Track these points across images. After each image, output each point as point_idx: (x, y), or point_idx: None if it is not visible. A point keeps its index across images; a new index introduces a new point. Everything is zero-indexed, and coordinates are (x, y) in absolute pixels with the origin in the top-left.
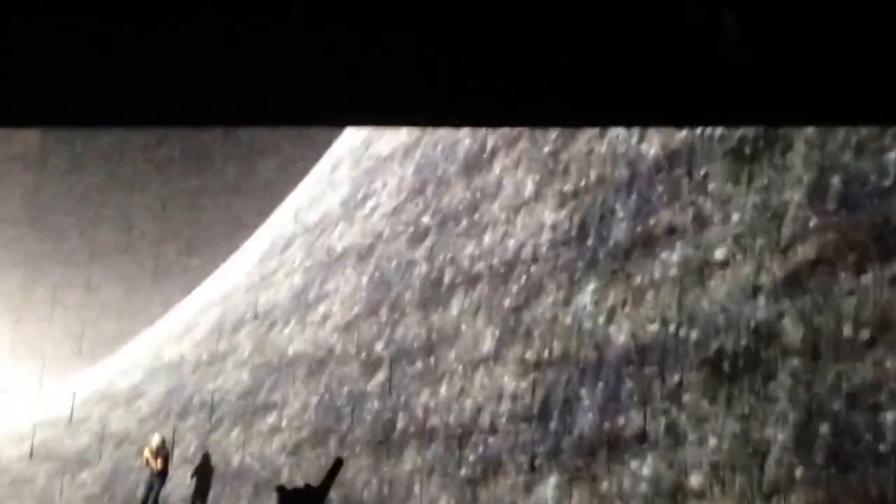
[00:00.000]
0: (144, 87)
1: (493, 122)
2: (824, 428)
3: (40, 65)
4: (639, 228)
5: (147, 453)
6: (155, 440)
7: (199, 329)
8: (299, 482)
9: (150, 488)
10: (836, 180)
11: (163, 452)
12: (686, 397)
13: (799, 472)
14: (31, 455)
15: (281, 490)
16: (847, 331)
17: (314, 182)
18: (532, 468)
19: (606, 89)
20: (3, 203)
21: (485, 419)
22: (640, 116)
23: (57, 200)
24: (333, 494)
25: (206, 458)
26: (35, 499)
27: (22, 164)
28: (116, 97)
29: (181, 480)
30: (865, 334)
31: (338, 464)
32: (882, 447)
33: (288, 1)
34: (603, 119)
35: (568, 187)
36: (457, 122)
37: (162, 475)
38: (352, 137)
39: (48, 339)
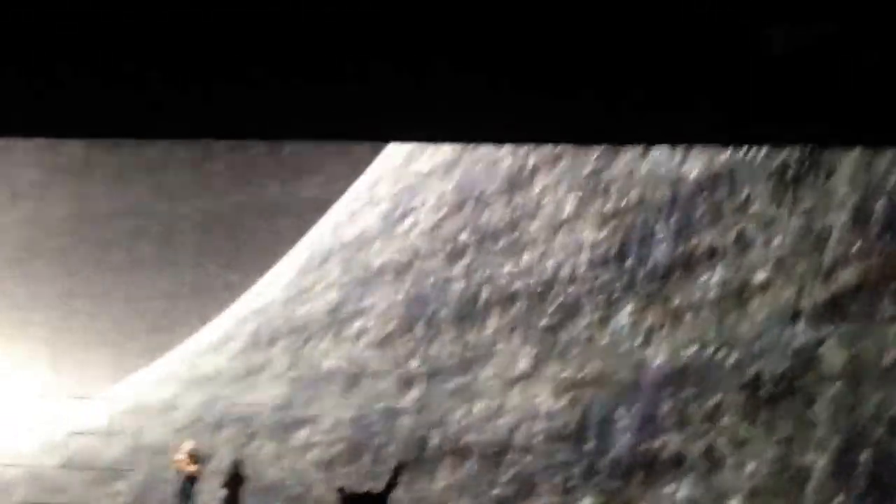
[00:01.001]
0: (189, 100)
1: (534, 138)
2: (865, 455)
3: (83, 78)
4: (679, 250)
5: (181, 457)
6: (188, 445)
7: (236, 342)
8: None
9: (185, 497)
10: (879, 205)
11: (196, 457)
12: (724, 421)
13: (839, 499)
14: (66, 464)
15: (341, 492)
16: (889, 357)
17: (354, 198)
18: (566, 489)
19: (650, 108)
20: (47, 213)
21: (519, 438)
22: (686, 135)
23: (100, 212)
24: None
25: (237, 468)
26: None
27: (67, 175)
28: (161, 110)
29: (215, 492)
30: None
31: (399, 468)
32: None
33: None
34: (647, 138)
35: (608, 207)
36: (500, 139)
37: (193, 479)
38: (393, 154)
39: (88, 350)
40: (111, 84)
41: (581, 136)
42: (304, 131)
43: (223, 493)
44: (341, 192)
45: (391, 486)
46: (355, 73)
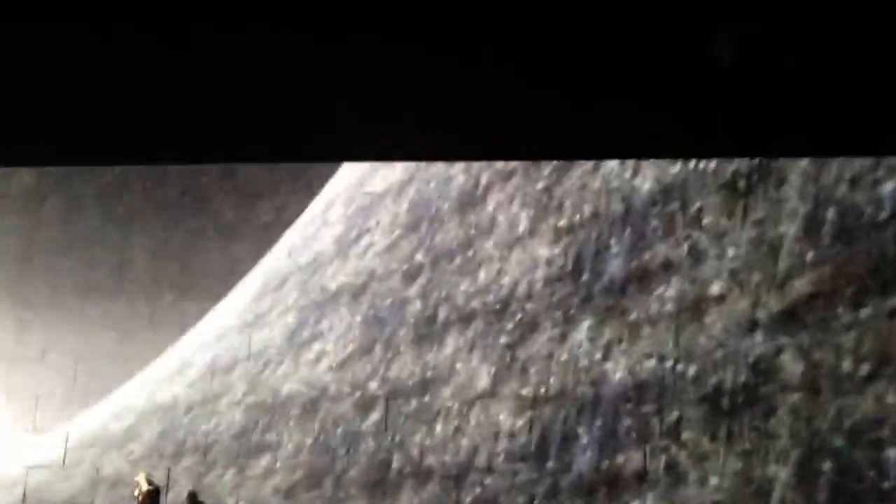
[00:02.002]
0: (146, 123)
1: (489, 155)
2: (826, 465)
3: (35, 103)
4: (634, 263)
5: (142, 482)
6: (143, 477)
7: (193, 370)
8: None
9: None
10: (831, 213)
11: (150, 481)
12: (685, 434)
13: None
14: (23, 500)
15: None
16: (847, 365)
17: (308, 221)
18: None
19: (600, 120)
20: (1, 243)
21: (481, 458)
22: (635, 148)
23: (53, 241)
24: None
25: (193, 499)
26: None
27: (18, 204)
28: (115, 134)
29: None
30: (865, 368)
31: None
32: (886, 484)
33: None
34: (597, 152)
35: (562, 223)
36: (454, 157)
37: (154, 495)
38: (346, 176)
39: (41, 383)
40: (64, 107)
41: (535, 151)
42: (259, 153)
43: None
44: (296, 215)
45: None
46: (304, 94)
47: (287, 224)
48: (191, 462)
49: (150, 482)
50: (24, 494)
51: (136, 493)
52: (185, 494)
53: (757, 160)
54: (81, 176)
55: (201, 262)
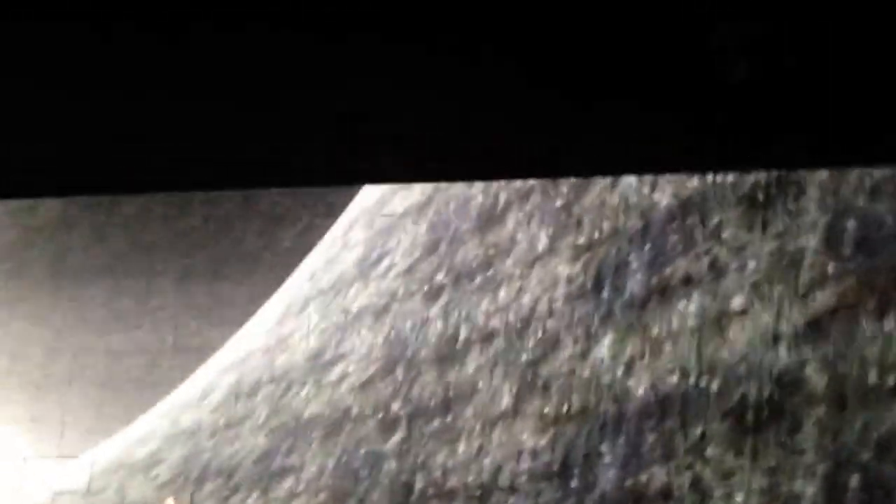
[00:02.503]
0: (159, 151)
1: (504, 174)
2: (854, 480)
3: (51, 134)
4: (654, 279)
5: None
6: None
7: (216, 394)
8: None
9: None
10: (851, 224)
11: None
12: (710, 451)
13: None
14: None
15: None
16: (872, 377)
17: (329, 244)
18: None
19: (619, 136)
20: (26, 274)
21: (505, 478)
22: (653, 163)
23: (79, 270)
24: None
25: None
26: None
27: (45, 234)
28: (128, 163)
29: None
30: (892, 380)
31: None
32: None
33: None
34: (615, 167)
35: (581, 240)
36: (468, 176)
37: None
38: (366, 199)
39: (67, 409)
40: (89, 137)
41: (551, 169)
42: (281, 178)
43: None
44: (318, 240)
45: None
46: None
47: (309, 249)
48: (215, 486)
49: None
50: None
51: None
52: None
53: (775, 172)
54: (106, 205)
55: (225, 288)
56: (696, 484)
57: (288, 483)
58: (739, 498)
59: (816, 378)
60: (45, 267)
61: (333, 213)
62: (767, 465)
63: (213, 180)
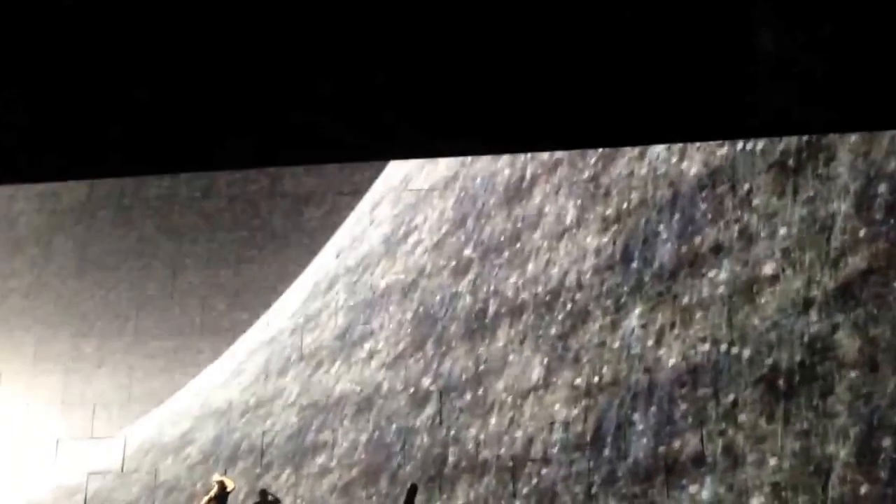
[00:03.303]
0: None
1: (531, 146)
2: (887, 442)
3: (71, 119)
4: (684, 248)
5: (227, 482)
6: (225, 479)
7: (246, 374)
8: None
9: None
10: (882, 188)
11: (223, 484)
12: (742, 417)
13: (863, 489)
14: None
15: None
16: None
17: (355, 221)
18: (588, 497)
19: (648, 106)
20: (53, 258)
21: (537, 449)
22: (681, 132)
23: (105, 254)
24: None
25: (263, 496)
26: None
27: (71, 219)
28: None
29: None
30: None
31: (413, 490)
32: None
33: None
34: (645, 137)
35: (610, 211)
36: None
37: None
38: (391, 176)
39: (98, 392)
40: (116, 121)
41: (577, 140)
42: (305, 155)
43: None
44: (343, 221)
45: None
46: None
47: (336, 228)
48: (247, 464)
49: (222, 485)
50: (86, 501)
51: (213, 493)
52: (241, 496)
53: (805, 137)
54: (131, 188)
55: (252, 269)
56: (729, 450)
57: (320, 459)
58: (772, 462)
59: (848, 342)
60: (71, 252)
61: (359, 192)
62: (800, 429)
63: (240, 158)
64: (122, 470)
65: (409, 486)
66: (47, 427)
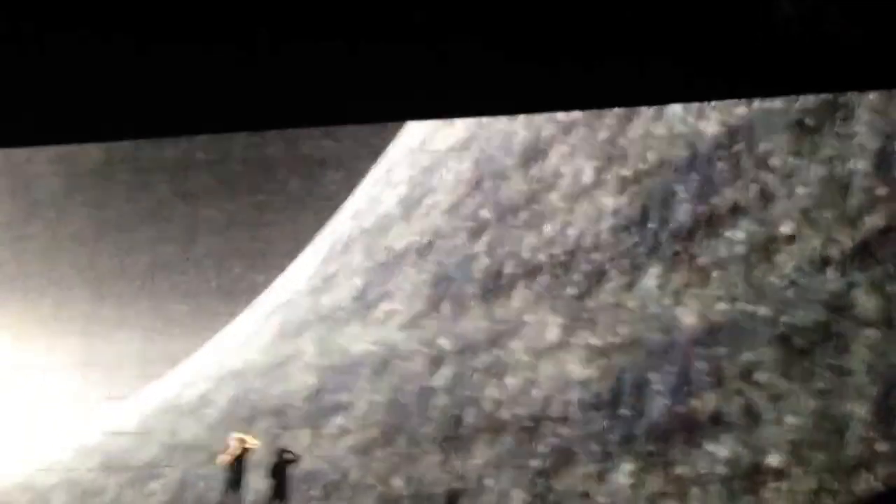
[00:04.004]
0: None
1: (550, 107)
2: None
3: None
4: (701, 208)
5: (250, 441)
6: (247, 438)
7: (263, 335)
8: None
9: (228, 489)
10: None
11: (243, 440)
12: (760, 375)
13: (881, 446)
14: (102, 466)
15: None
16: None
17: (372, 183)
18: (605, 456)
19: (664, 63)
20: (70, 221)
21: (554, 409)
22: (700, 90)
23: (121, 217)
24: (405, 492)
25: (281, 455)
26: None
27: (87, 182)
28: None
29: (254, 486)
30: None
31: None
32: None
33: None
34: (663, 96)
35: (627, 172)
36: (516, 110)
37: (241, 461)
38: (408, 137)
39: (115, 354)
40: (130, 82)
41: (594, 100)
42: (321, 115)
43: (269, 482)
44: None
45: None
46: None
47: (353, 193)
48: (266, 425)
49: (241, 442)
50: (105, 460)
51: (235, 452)
52: (259, 456)
53: (824, 95)
54: (147, 151)
55: (269, 233)
56: (747, 409)
57: (338, 420)
58: (790, 420)
59: (865, 300)
60: (88, 215)
61: (377, 155)
62: (817, 387)
63: (256, 120)
64: (140, 430)
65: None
66: (66, 388)
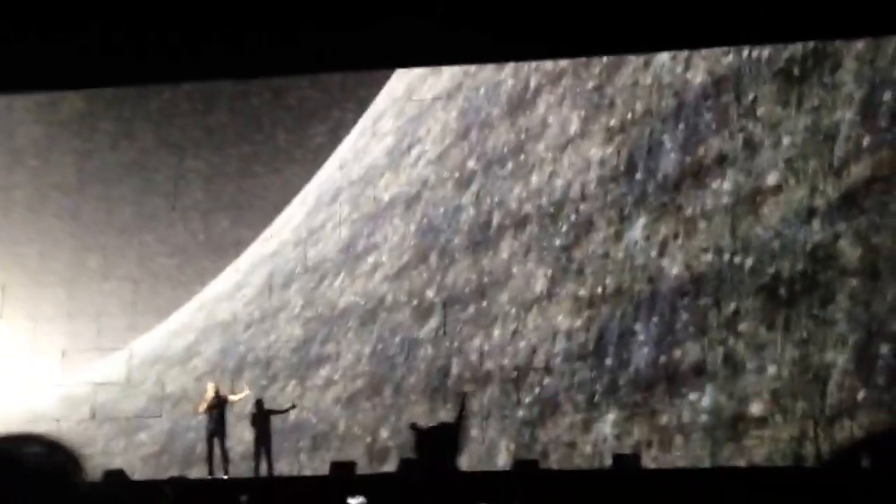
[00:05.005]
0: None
1: (537, 55)
2: (885, 348)
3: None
4: (688, 159)
5: (210, 390)
6: (210, 387)
7: (250, 287)
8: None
9: (211, 439)
10: (887, 96)
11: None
12: (743, 326)
13: (861, 394)
14: (92, 416)
15: (415, 427)
16: None
17: (359, 134)
18: (590, 406)
19: (649, 14)
20: (54, 171)
21: (540, 359)
22: (684, 39)
23: (106, 167)
24: (391, 443)
25: (259, 406)
26: (95, 461)
27: (70, 130)
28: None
29: (240, 437)
30: None
31: (464, 398)
32: None
33: None
34: (646, 45)
35: (614, 122)
36: (501, 56)
37: (221, 406)
38: (394, 88)
39: (102, 306)
40: (110, 29)
41: (582, 47)
42: (304, 65)
43: (252, 432)
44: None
45: (462, 416)
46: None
47: (340, 145)
48: (252, 376)
49: (217, 391)
50: (93, 411)
51: (208, 399)
52: (247, 407)
53: (811, 44)
54: (131, 100)
55: (256, 186)
56: (729, 358)
57: (325, 371)
58: (772, 370)
59: (850, 251)
60: (72, 164)
61: (365, 107)
62: (799, 337)
63: (241, 68)
64: (128, 381)
65: (461, 395)
66: (53, 339)
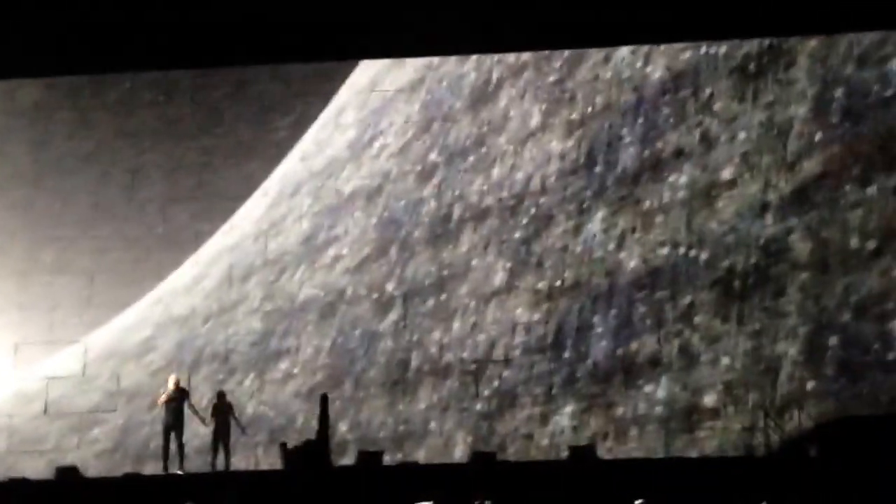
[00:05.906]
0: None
1: (499, 46)
2: (833, 340)
3: (34, 12)
4: (646, 153)
5: (171, 383)
6: (171, 379)
7: (209, 280)
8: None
9: (168, 434)
10: (839, 93)
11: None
12: (698, 318)
13: (810, 385)
14: (45, 411)
15: (283, 446)
16: (854, 242)
17: (321, 126)
18: (548, 398)
19: (609, 8)
20: (9, 161)
21: (499, 352)
22: (643, 34)
23: (62, 158)
24: (350, 436)
25: (220, 398)
26: (47, 457)
27: (26, 120)
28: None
29: (196, 431)
30: (872, 245)
31: (323, 400)
32: (891, 355)
33: None
34: (607, 38)
35: (575, 115)
36: (464, 49)
37: (181, 400)
38: (357, 80)
39: (56, 299)
40: (72, 14)
41: (545, 40)
42: (272, 53)
43: (211, 425)
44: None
45: (324, 422)
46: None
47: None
48: (210, 370)
49: (178, 385)
50: (46, 406)
51: (169, 392)
52: (204, 402)
53: (767, 42)
54: (89, 89)
55: (216, 179)
56: (684, 350)
57: (284, 365)
58: (725, 361)
59: (801, 245)
60: (27, 154)
61: (327, 100)
62: (752, 329)
63: (207, 57)
64: (83, 375)
65: (320, 398)
66: (5, 333)
